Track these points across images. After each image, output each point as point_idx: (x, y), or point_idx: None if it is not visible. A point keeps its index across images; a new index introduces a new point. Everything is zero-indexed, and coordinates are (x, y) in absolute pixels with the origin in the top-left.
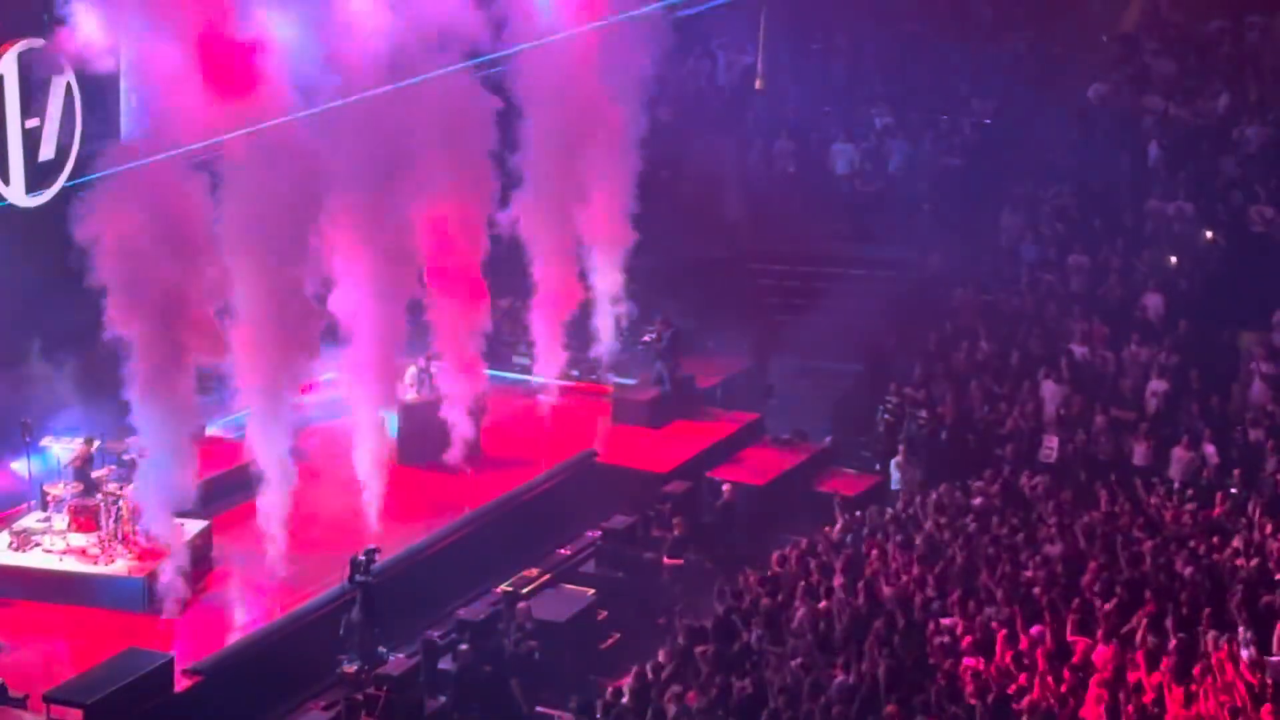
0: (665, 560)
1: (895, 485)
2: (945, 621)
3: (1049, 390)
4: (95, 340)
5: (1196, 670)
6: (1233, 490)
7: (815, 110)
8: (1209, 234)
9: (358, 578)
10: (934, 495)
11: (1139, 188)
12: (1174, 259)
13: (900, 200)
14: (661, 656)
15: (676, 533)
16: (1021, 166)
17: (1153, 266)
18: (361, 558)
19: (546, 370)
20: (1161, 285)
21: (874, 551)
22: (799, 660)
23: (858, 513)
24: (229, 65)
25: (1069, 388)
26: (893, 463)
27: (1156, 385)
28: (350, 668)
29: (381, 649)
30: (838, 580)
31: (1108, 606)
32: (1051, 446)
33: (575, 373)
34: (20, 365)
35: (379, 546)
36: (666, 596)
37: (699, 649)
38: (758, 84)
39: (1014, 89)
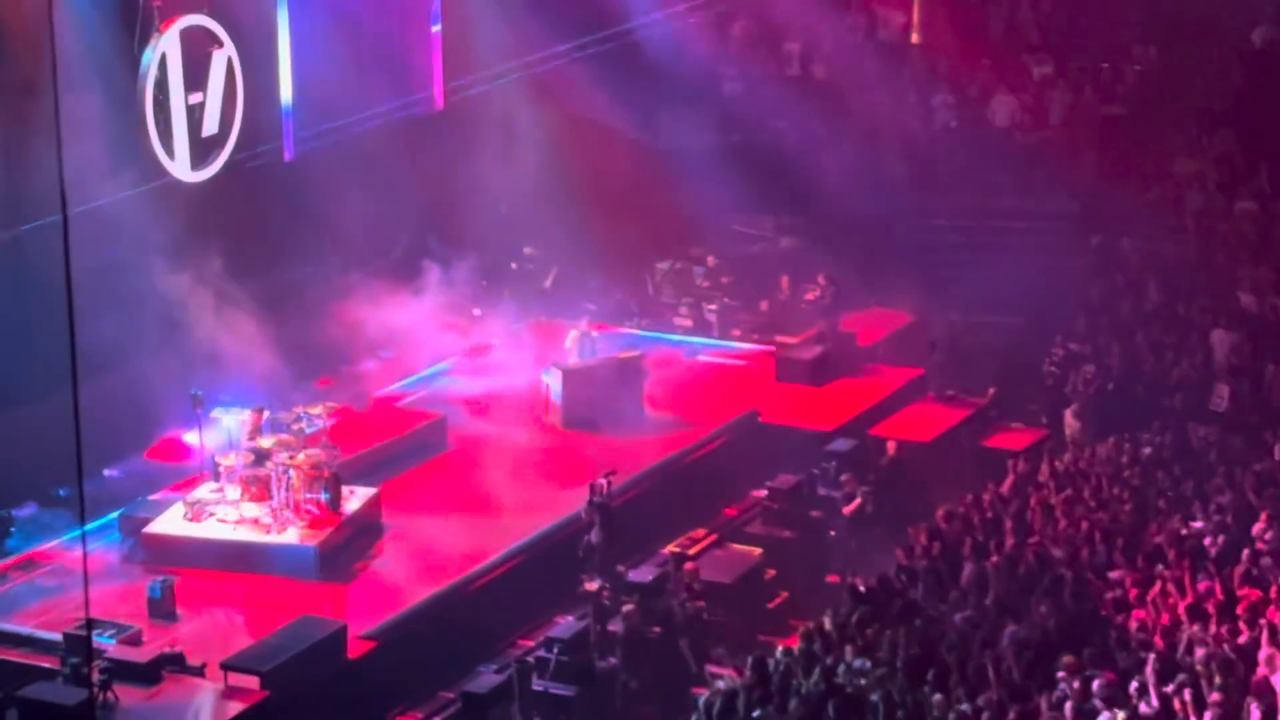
0: (844, 510)
1: (1071, 436)
2: (1114, 575)
3: (1218, 338)
4: (261, 311)
5: None
6: None
7: (974, 62)
8: None
9: (597, 500)
10: (1102, 448)
11: None
12: None
13: (1062, 151)
14: (829, 615)
15: (848, 489)
16: (1185, 113)
17: None
18: (600, 481)
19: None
20: None
21: (1042, 506)
22: (966, 615)
23: (1025, 467)
24: None
25: (1238, 335)
26: (1068, 412)
27: None
28: (592, 585)
29: (620, 568)
30: (1006, 535)
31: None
32: (1223, 395)
33: (737, 332)
34: (189, 339)
35: (615, 469)
36: (842, 549)
37: (866, 607)
38: (914, 38)
39: (1175, 34)
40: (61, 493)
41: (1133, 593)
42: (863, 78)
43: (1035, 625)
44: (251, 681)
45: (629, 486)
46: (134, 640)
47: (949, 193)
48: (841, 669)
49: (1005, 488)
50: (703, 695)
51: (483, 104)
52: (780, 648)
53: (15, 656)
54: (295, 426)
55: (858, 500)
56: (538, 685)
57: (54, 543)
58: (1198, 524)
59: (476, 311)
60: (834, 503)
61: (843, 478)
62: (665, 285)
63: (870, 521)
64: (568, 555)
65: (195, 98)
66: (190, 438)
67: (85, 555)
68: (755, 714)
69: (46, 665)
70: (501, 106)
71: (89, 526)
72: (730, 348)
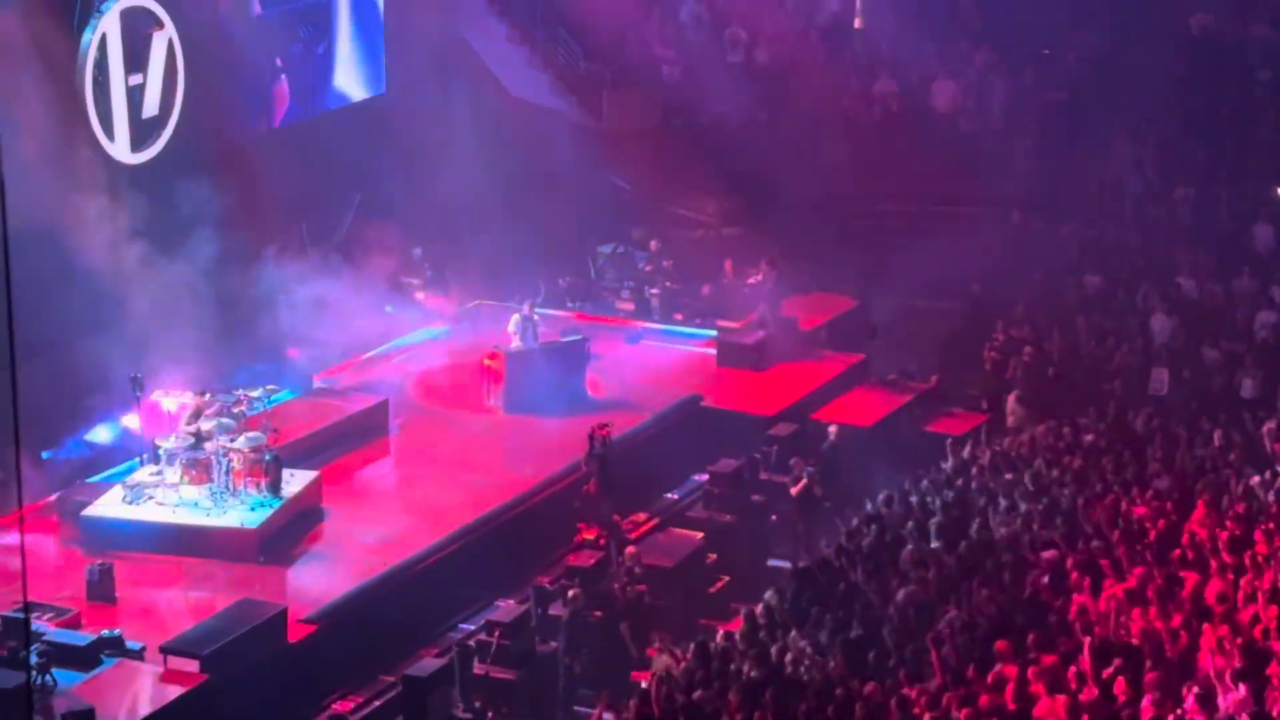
0: (792, 491)
1: (1012, 421)
2: (1051, 556)
3: (1158, 323)
4: (201, 294)
5: None
6: None
7: (915, 47)
8: None
9: (596, 451)
10: (1041, 432)
11: (1245, 118)
12: None
13: (1003, 136)
14: (770, 599)
15: (796, 471)
16: (1126, 99)
17: (1260, 197)
18: (601, 431)
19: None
20: (1271, 216)
21: (982, 490)
22: (906, 597)
23: (965, 452)
24: None
25: (1177, 320)
26: (1010, 398)
27: (1266, 317)
28: (590, 533)
29: (616, 517)
30: (945, 519)
31: (1220, 539)
32: (1161, 379)
33: (679, 316)
34: (128, 322)
35: (610, 422)
36: (790, 531)
37: (806, 591)
38: (857, 22)
39: (1116, 20)
40: None
41: (1072, 576)
42: (805, 62)
43: (975, 609)
44: (191, 665)
45: (572, 470)
46: (73, 623)
47: (890, 178)
48: (782, 652)
49: (946, 471)
50: (644, 679)
51: (426, 87)
52: (721, 631)
53: None
54: (235, 409)
55: (804, 481)
56: (479, 669)
57: None
58: (1140, 509)
59: (419, 296)
60: (776, 487)
61: (791, 460)
62: (607, 269)
63: (817, 503)
64: (509, 539)
65: (135, 79)
66: (130, 421)
67: (22, 538)
68: (695, 695)
69: None
70: (444, 89)
71: (27, 509)
72: (672, 332)
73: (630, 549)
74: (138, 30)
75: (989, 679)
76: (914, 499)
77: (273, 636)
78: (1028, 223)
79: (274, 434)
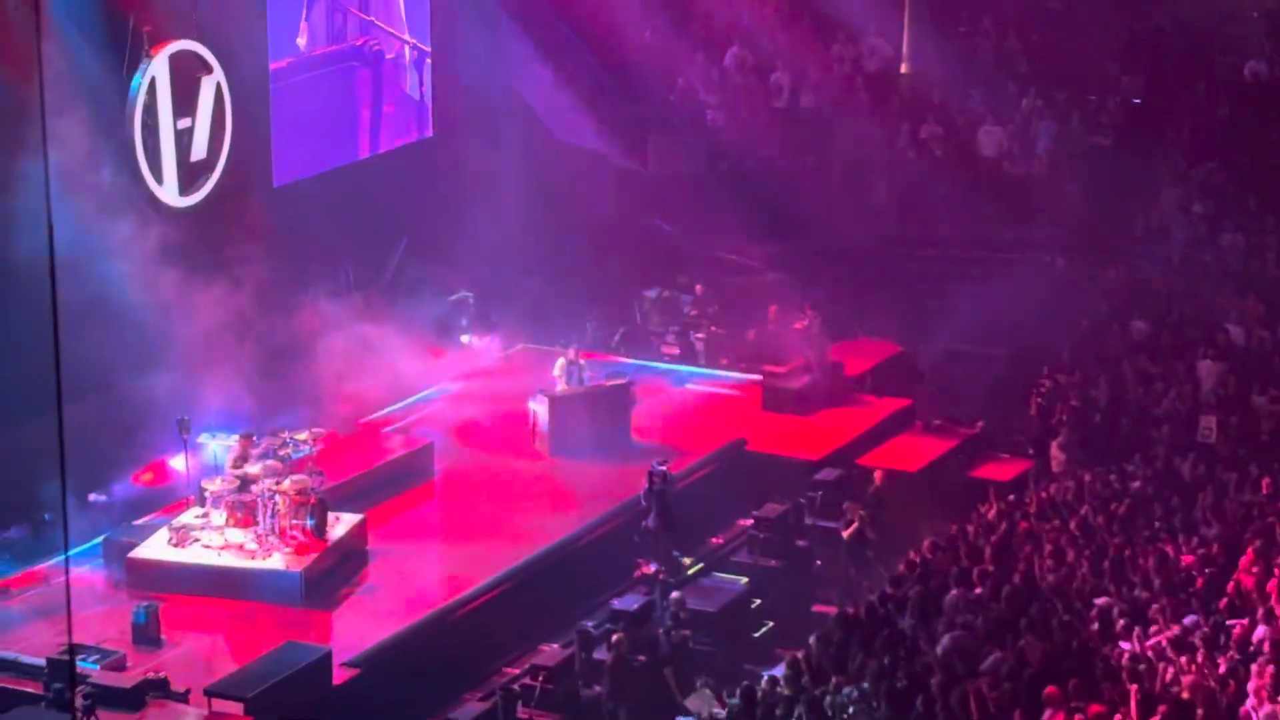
0: (843, 534)
1: (1057, 468)
2: (1100, 603)
3: (1205, 369)
4: (247, 337)
5: None
6: None
7: (962, 93)
8: None
9: (655, 487)
10: (1088, 479)
11: None
12: None
13: (1049, 181)
14: (815, 644)
15: (848, 515)
16: (1172, 144)
17: None
18: (661, 468)
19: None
20: None
21: (1028, 536)
22: (952, 643)
23: (1011, 497)
24: None
25: (1225, 366)
26: (1055, 444)
27: None
28: (649, 568)
29: (676, 552)
30: (991, 565)
31: (1269, 587)
32: (1209, 426)
33: (724, 361)
34: (174, 364)
35: (668, 458)
36: (841, 575)
37: (852, 637)
38: (903, 67)
39: (1162, 65)
40: (47, 517)
41: (1119, 624)
42: (850, 108)
43: (1020, 656)
44: (235, 708)
45: (617, 514)
46: (118, 666)
47: (936, 223)
48: (827, 699)
49: (991, 518)
50: None
51: (472, 131)
52: (766, 676)
53: None
54: (281, 452)
55: (855, 524)
56: (523, 714)
57: (39, 566)
58: (1188, 557)
59: (464, 338)
60: (821, 532)
61: (845, 504)
62: (653, 313)
63: (868, 547)
64: (553, 583)
65: (184, 123)
66: (176, 463)
67: (68, 580)
68: None
69: (30, 690)
70: (490, 134)
71: (74, 551)
72: (717, 376)
73: (674, 594)
74: (186, 74)
75: None
76: (960, 545)
77: (317, 680)
78: (1074, 267)
79: (319, 477)
